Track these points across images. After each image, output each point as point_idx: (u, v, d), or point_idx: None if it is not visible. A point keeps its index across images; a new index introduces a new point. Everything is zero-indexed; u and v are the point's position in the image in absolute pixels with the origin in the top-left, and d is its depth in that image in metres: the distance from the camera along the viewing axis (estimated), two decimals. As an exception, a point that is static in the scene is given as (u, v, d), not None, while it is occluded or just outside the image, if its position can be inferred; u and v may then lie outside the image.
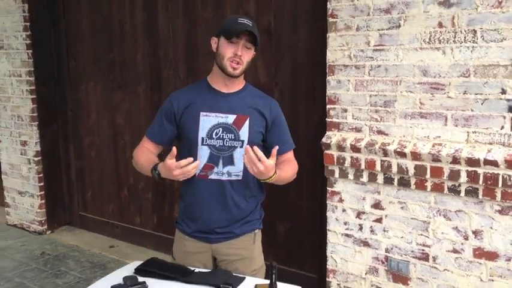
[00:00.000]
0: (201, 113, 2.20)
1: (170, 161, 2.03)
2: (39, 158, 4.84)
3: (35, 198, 4.91)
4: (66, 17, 4.74)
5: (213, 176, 2.21)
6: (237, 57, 2.14)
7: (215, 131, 2.19)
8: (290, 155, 2.36)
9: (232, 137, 2.19)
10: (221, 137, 2.19)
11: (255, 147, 2.00)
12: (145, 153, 2.33)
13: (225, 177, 2.21)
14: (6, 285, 3.79)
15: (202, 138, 2.19)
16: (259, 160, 1.98)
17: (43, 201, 4.92)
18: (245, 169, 2.17)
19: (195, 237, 2.30)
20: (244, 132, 2.20)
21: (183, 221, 2.35)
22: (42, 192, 4.91)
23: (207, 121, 2.20)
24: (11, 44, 4.79)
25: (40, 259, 4.31)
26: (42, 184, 4.89)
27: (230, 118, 2.20)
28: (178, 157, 2.14)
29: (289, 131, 2.38)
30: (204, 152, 2.20)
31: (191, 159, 2.04)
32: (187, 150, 2.24)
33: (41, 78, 4.78)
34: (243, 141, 2.19)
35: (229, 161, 2.20)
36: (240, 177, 2.23)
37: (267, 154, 2.10)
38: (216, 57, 2.21)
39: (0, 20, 4.83)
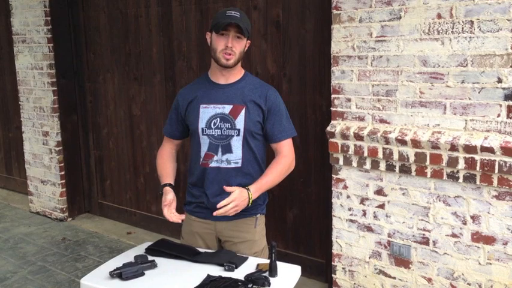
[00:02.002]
0: (201, 106, 2.36)
1: (166, 209, 2.33)
2: (60, 147, 5.01)
3: (57, 186, 5.09)
4: (85, 11, 4.89)
5: (213, 164, 2.35)
6: (228, 49, 2.26)
7: (213, 121, 2.33)
8: (286, 144, 2.41)
9: (229, 126, 2.31)
10: (219, 126, 2.32)
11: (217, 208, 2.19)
12: (162, 162, 2.57)
13: (224, 165, 2.34)
14: (30, 268, 3.98)
15: (202, 129, 2.34)
16: (228, 205, 2.18)
17: (64, 189, 5.09)
18: (244, 156, 2.32)
19: (202, 217, 2.44)
20: (240, 121, 2.31)
21: (191, 203, 2.51)
22: (63, 181, 5.08)
23: (206, 112, 2.34)
24: (33, 38, 4.95)
25: (61, 244, 4.48)
26: (63, 173, 5.06)
27: (227, 108, 2.32)
28: (190, 144, 2.46)
29: (289, 119, 2.44)
30: (204, 142, 2.35)
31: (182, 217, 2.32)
32: (193, 140, 2.43)
33: (61, 70, 4.94)
34: (239, 130, 2.31)
35: (228, 149, 2.33)
36: (239, 165, 2.34)
37: (267, 143, 2.36)
38: (211, 51, 2.33)
39: (23, 14, 5.01)
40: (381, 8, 2.78)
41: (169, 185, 2.44)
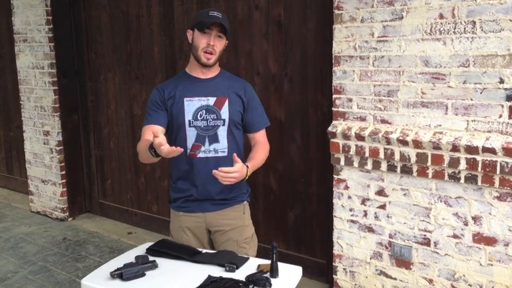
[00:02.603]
0: (185, 99, 2.41)
1: (158, 140, 2.08)
2: (61, 147, 5.01)
3: (57, 186, 5.09)
4: (86, 11, 4.89)
5: (201, 155, 2.43)
6: (210, 47, 2.35)
7: (199, 113, 2.40)
8: (263, 133, 2.58)
9: (215, 117, 2.41)
10: (205, 118, 2.41)
11: (219, 170, 2.20)
12: (142, 142, 2.44)
13: (211, 154, 2.43)
14: (30, 268, 3.98)
15: (189, 121, 2.40)
16: (230, 172, 2.23)
17: (65, 189, 5.09)
18: (229, 145, 2.44)
19: (190, 211, 2.49)
20: (224, 112, 2.42)
21: (177, 199, 2.54)
22: (64, 181, 5.08)
23: (191, 105, 2.41)
24: (34, 37, 4.95)
25: (62, 244, 4.48)
26: (63, 173, 5.06)
27: (211, 100, 2.41)
28: (169, 141, 2.30)
29: (263, 110, 2.60)
30: (191, 133, 2.41)
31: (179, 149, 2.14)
32: (176, 134, 2.45)
33: (63, 70, 4.94)
34: (224, 120, 2.41)
35: (214, 139, 2.42)
36: (225, 153, 2.43)
37: (245, 133, 2.50)
38: (191, 48, 2.43)
39: (24, 14, 5.01)
40: (382, 8, 2.77)
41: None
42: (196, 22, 2.38)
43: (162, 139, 2.08)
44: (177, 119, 2.42)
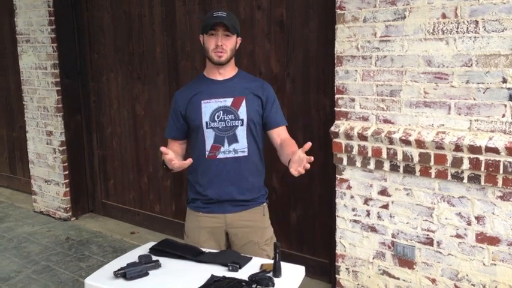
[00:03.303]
0: (202, 101, 2.43)
1: (168, 156, 2.23)
2: (64, 147, 5.02)
3: (60, 186, 5.10)
4: (89, 11, 4.90)
5: (220, 155, 2.42)
6: (219, 47, 2.37)
7: (216, 114, 2.41)
8: (285, 130, 2.53)
9: (233, 117, 2.41)
10: (223, 119, 2.41)
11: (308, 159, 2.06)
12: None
13: (231, 155, 2.42)
14: (33, 267, 3.99)
15: (206, 123, 2.41)
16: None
17: (68, 189, 5.09)
18: (249, 145, 2.43)
19: (210, 212, 2.49)
20: (242, 112, 2.41)
21: (196, 200, 2.54)
22: (67, 181, 5.09)
23: (208, 107, 2.42)
24: (37, 37, 4.96)
25: (65, 244, 4.49)
26: (66, 173, 5.07)
27: (228, 101, 2.42)
28: (189, 145, 2.52)
29: (281, 111, 2.56)
30: (209, 135, 2.42)
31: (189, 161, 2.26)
32: (195, 136, 2.46)
33: (65, 70, 4.95)
34: (242, 120, 2.41)
35: (233, 139, 2.42)
36: (245, 153, 2.43)
37: (266, 132, 2.48)
38: (204, 52, 2.44)
39: (27, 14, 5.02)
40: (385, 7, 2.77)
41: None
42: (203, 26, 2.40)
43: (171, 155, 2.21)
44: (194, 122, 2.44)
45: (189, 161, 2.25)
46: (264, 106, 2.47)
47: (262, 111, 2.47)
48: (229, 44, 2.39)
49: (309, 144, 2.09)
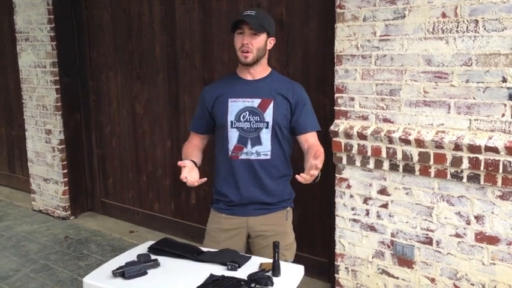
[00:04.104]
0: (229, 100, 2.42)
1: (182, 175, 2.28)
2: (63, 146, 5.01)
3: (59, 185, 5.09)
4: (88, 10, 4.89)
5: (243, 156, 2.41)
6: (245, 46, 2.33)
7: (242, 114, 2.39)
8: (314, 135, 2.47)
9: (258, 119, 2.39)
10: (248, 119, 2.39)
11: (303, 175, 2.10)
12: (187, 149, 2.55)
13: (254, 157, 2.41)
14: (32, 266, 3.98)
15: (231, 122, 2.40)
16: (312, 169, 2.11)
17: (67, 187, 5.09)
18: (273, 149, 2.41)
19: (232, 213, 2.49)
20: (268, 114, 2.38)
21: (219, 201, 2.54)
22: (66, 179, 5.08)
23: (235, 106, 2.40)
24: (36, 36, 4.96)
25: (64, 243, 4.48)
26: (65, 171, 5.06)
27: (255, 102, 2.39)
28: (214, 142, 2.54)
29: (315, 115, 2.51)
30: (233, 134, 2.41)
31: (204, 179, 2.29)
32: (220, 134, 2.47)
33: (64, 69, 4.94)
34: (267, 123, 2.38)
35: (257, 141, 2.40)
36: (268, 157, 2.42)
37: (295, 137, 2.45)
38: (234, 51, 2.42)
39: (26, 12, 5.01)
40: (385, 6, 2.77)
41: (191, 161, 2.40)
42: (231, 24, 2.36)
43: (186, 172, 2.25)
44: (220, 119, 2.44)
45: (204, 179, 2.26)
46: (293, 110, 2.43)
47: (291, 115, 2.43)
48: (255, 43, 2.34)
49: (319, 152, 2.13)
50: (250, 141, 2.40)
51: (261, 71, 2.45)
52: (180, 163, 2.29)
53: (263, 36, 2.36)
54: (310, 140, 2.44)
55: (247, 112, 2.39)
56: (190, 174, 2.27)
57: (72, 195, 5.14)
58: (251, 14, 2.33)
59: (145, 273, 2.06)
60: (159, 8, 4.31)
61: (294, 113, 2.43)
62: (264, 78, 2.46)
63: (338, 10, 2.95)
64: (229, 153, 2.43)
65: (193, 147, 2.56)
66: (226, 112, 2.41)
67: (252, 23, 2.29)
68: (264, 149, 2.40)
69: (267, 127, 2.38)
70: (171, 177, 4.51)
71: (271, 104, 2.39)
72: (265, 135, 2.39)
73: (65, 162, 5.05)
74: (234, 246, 2.44)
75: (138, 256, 2.17)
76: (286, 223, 2.55)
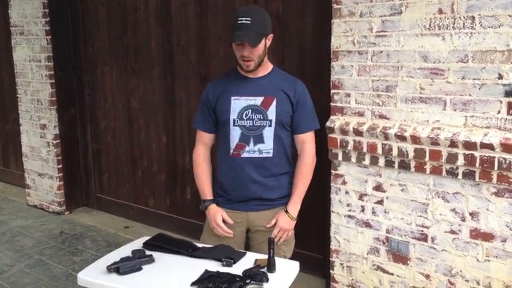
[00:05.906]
0: (232, 98, 2.41)
1: (218, 222, 2.46)
2: (58, 141, 4.99)
3: (54, 180, 5.07)
4: (83, 4, 4.86)
5: (245, 154, 2.42)
6: (246, 56, 2.33)
7: (245, 112, 2.39)
8: (308, 136, 2.52)
9: (261, 117, 2.39)
10: (251, 117, 2.39)
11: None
12: (201, 168, 2.58)
13: (256, 155, 2.42)
14: (27, 261, 3.97)
15: (234, 120, 2.40)
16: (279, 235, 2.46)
17: (61, 182, 5.07)
18: (274, 146, 2.41)
19: (233, 208, 2.50)
20: (271, 112, 2.39)
21: (220, 196, 2.55)
22: (61, 174, 5.07)
23: (238, 104, 2.40)
24: (31, 30, 4.93)
25: (58, 238, 4.48)
26: (60, 166, 5.04)
27: (258, 100, 2.39)
28: (216, 140, 2.54)
29: (314, 113, 2.54)
30: (236, 132, 2.41)
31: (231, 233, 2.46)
32: (222, 132, 2.47)
33: (59, 63, 4.92)
34: (271, 121, 2.39)
35: (260, 139, 2.40)
36: (270, 154, 2.43)
37: (292, 135, 2.50)
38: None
39: (21, 6, 4.97)
40: (381, 2, 2.76)
41: (212, 200, 2.54)
42: (230, 34, 2.32)
43: (224, 226, 2.44)
44: (222, 117, 2.44)
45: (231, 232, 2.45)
46: (294, 108, 2.44)
47: (293, 113, 2.44)
48: (256, 52, 2.33)
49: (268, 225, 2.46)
50: (252, 139, 2.40)
51: (263, 69, 2.45)
52: (214, 225, 2.46)
53: (262, 42, 2.34)
54: (303, 140, 2.50)
55: (250, 110, 2.39)
56: (222, 227, 2.45)
57: (67, 190, 5.13)
58: (246, 22, 2.26)
59: (140, 268, 2.06)
60: (154, 2, 4.29)
61: (295, 111, 2.46)
62: (266, 76, 2.46)
63: (335, 6, 2.94)
64: (231, 151, 2.43)
65: (204, 163, 2.57)
66: (228, 110, 2.41)
67: (249, 40, 2.25)
68: (266, 147, 2.41)
69: (270, 125, 2.39)
70: (167, 172, 4.50)
71: (274, 102, 2.39)
72: (268, 133, 2.40)
73: (60, 157, 5.03)
74: (233, 240, 2.46)
75: (133, 252, 2.17)
76: None
